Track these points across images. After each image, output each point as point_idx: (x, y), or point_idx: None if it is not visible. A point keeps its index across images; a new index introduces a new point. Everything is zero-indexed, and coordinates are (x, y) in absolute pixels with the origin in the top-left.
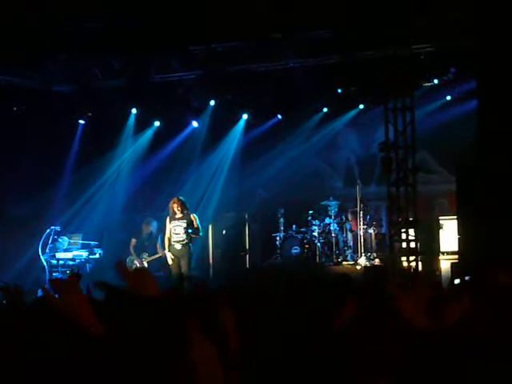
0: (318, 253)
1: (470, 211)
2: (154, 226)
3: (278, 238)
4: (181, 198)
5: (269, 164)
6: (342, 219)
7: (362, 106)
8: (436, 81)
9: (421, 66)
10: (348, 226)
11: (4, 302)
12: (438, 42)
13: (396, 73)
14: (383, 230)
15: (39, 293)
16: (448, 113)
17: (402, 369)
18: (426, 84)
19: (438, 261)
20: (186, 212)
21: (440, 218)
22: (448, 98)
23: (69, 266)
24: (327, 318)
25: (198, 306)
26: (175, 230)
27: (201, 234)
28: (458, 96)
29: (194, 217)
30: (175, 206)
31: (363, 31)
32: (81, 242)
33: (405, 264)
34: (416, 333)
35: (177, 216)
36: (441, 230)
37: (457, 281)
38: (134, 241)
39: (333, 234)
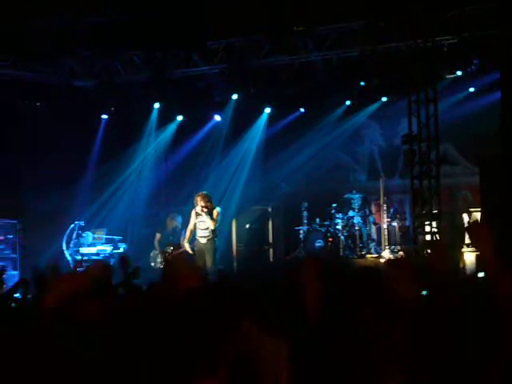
0: (341, 246)
1: (494, 203)
2: (178, 221)
3: (301, 232)
4: (206, 192)
5: (292, 157)
6: (365, 212)
7: (384, 99)
8: (459, 72)
9: (444, 58)
10: (371, 219)
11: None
12: (461, 33)
13: (419, 65)
14: (407, 223)
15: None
16: (471, 105)
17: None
18: (449, 76)
19: (461, 253)
20: (210, 207)
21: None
22: (471, 89)
23: (93, 260)
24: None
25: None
26: (200, 226)
27: (215, 227)
28: (482, 88)
29: (216, 211)
30: (200, 200)
31: (386, 23)
32: (105, 236)
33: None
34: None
35: (203, 211)
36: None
37: (481, 274)
38: (158, 235)
39: (356, 227)
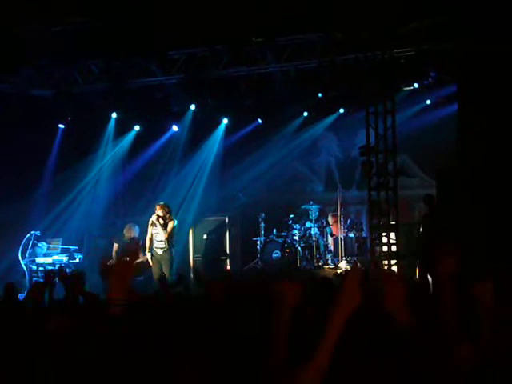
0: (298, 257)
1: (449, 214)
2: (136, 231)
3: (258, 242)
4: (166, 203)
5: (249, 168)
6: (322, 223)
7: (342, 110)
8: (416, 85)
9: (401, 70)
10: (329, 230)
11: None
12: (419, 46)
13: (377, 76)
14: (364, 234)
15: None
16: (428, 117)
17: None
18: (407, 88)
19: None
20: (168, 218)
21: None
22: (428, 102)
23: (48, 271)
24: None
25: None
26: (156, 237)
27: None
28: (438, 100)
29: (172, 223)
30: (159, 209)
31: (344, 35)
32: (61, 246)
33: (386, 267)
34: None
35: (159, 221)
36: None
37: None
38: (116, 246)
39: (313, 238)
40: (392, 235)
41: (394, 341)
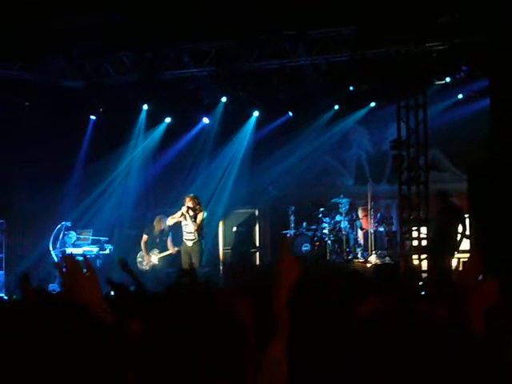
0: (328, 250)
1: (481, 210)
2: (166, 223)
3: (288, 235)
4: (195, 195)
5: (280, 161)
6: (352, 217)
7: (373, 104)
8: (448, 79)
9: (433, 64)
10: (359, 224)
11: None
12: (451, 39)
13: (408, 70)
14: (394, 228)
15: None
16: (460, 111)
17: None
18: (439, 82)
19: (450, 259)
20: (198, 209)
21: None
22: (460, 96)
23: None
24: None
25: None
26: (185, 229)
27: (198, 230)
28: (470, 94)
29: (201, 215)
30: (189, 201)
31: (376, 29)
32: (91, 237)
33: (416, 262)
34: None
35: (189, 213)
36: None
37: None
38: (145, 237)
39: (343, 232)
40: (423, 229)
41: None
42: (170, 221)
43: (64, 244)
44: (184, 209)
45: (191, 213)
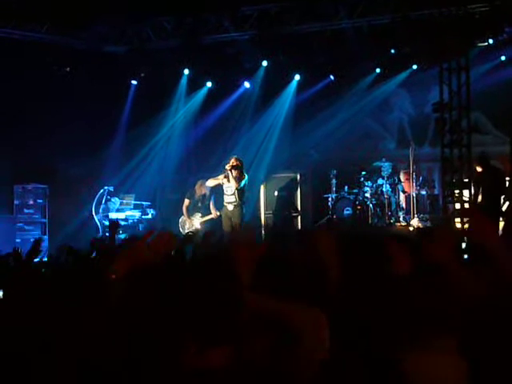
0: (370, 214)
1: None
2: (207, 187)
3: (329, 199)
4: (238, 158)
5: (321, 125)
6: (394, 180)
7: (415, 67)
8: (491, 41)
9: (475, 26)
10: (400, 188)
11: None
12: (493, 1)
13: (451, 32)
14: (436, 192)
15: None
16: (503, 73)
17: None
18: (481, 44)
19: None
20: (240, 173)
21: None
22: (503, 58)
23: (121, 226)
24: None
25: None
26: (227, 191)
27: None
28: None
29: (243, 177)
30: (235, 162)
31: None
32: (133, 202)
33: (458, 225)
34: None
35: (232, 173)
36: None
37: None
38: (187, 201)
39: (385, 196)
40: (465, 192)
41: None
42: (211, 182)
43: (107, 209)
44: (228, 167)
45: (235, 173)
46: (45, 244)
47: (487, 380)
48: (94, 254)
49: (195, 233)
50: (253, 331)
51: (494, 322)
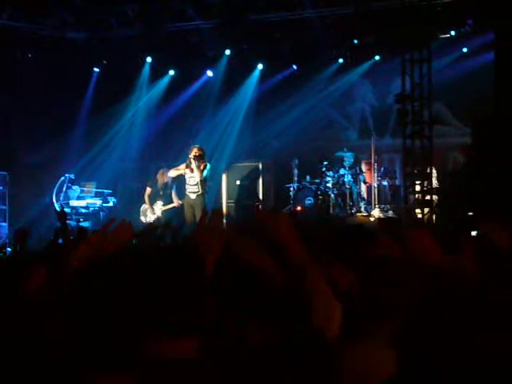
0: (331, 204)
1: (483, 164)
2: (169, 176)
3: (291, 189)
4: (201, 146)
5: (283, 115)
6: (356, 171)
7: (377, 58)
8: (453, 32)
9: (438, 17)
10: (362, 178)
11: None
12: None
13: (413, 24)
14: (397, 182)
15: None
16: (464, 65)
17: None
18: (443, 36)
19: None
20: (202, 162)
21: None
22: (464, 50)
23: (82, 214)
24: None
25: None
26: (190, 181)
27: (202, 178)
28: (475, 48)
29: (204, 164)
30: (198, 152)
31: None
32: (95, 190)
33: (419, 216)
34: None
35: (195, 162)
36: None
37: (474, 233)
38: (149, 190)
39: (347, 186)
40: (425, 184)
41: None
42: (173, 172)
43: (68, 197)
44: (191, 156)
45: (197, 163)
46: (4, 231)
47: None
48: (60, 241)
49: (156, 221)
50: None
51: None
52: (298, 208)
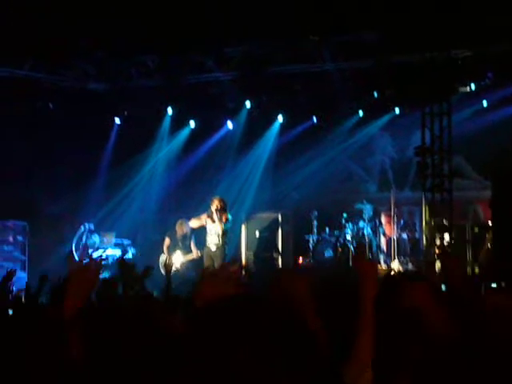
0: (351, 256)
1: (503, 218)
2: (187, 227)
3: (310, 241)
4: (222, 198)
5: (303, 167)
6: (375, 223)
7: (397, 110)
8: (473, 86)
9: (458, 71)
10: (381, 230)
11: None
12: (476, 46)
13: (433, 77)
14: (417, 235)
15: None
16: (484, 118)
17: (420, 369)
18: (463, 89)
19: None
20: (223, 213)
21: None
22: (484, 103)
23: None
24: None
25: None
26: (211, 232)
27: (223, 230)
28: (495, 102)
29: (226, 216)
30: (219, 203)
31: (400, 35)
32: (114, 240)
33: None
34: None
35: (217, 214)
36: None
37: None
38: (167, 240)
39: (366, 238)
40: (446, 236)
41: None
42: (194, 222)
43: (87, 246)
44: (213, 208)
45: (219, 215)
46: (23, 281)
47: None
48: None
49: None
50: None
51: (460, 361)
52: (300, 261)
